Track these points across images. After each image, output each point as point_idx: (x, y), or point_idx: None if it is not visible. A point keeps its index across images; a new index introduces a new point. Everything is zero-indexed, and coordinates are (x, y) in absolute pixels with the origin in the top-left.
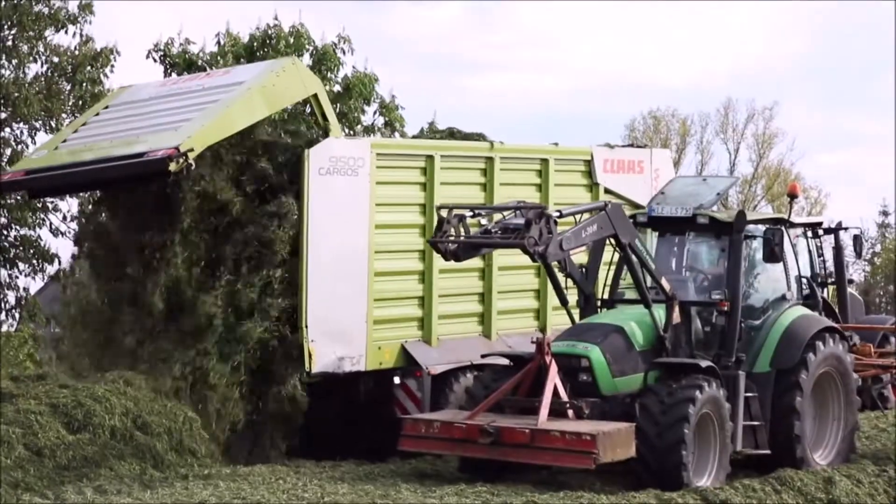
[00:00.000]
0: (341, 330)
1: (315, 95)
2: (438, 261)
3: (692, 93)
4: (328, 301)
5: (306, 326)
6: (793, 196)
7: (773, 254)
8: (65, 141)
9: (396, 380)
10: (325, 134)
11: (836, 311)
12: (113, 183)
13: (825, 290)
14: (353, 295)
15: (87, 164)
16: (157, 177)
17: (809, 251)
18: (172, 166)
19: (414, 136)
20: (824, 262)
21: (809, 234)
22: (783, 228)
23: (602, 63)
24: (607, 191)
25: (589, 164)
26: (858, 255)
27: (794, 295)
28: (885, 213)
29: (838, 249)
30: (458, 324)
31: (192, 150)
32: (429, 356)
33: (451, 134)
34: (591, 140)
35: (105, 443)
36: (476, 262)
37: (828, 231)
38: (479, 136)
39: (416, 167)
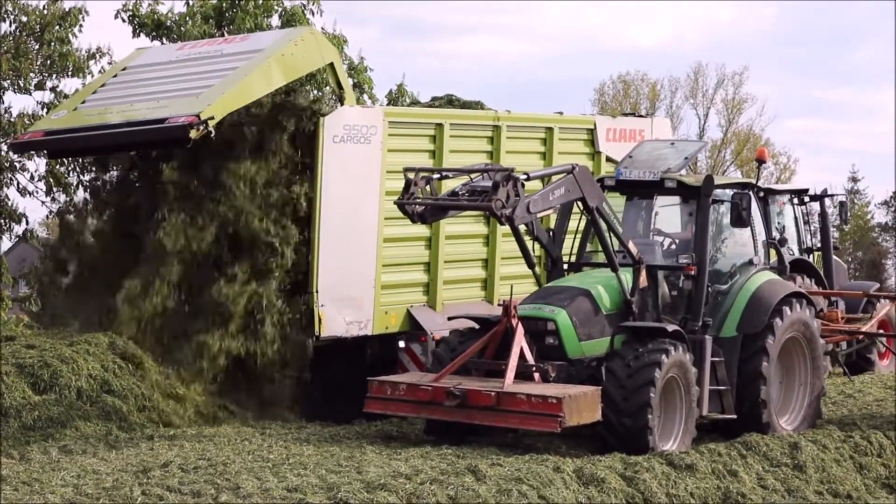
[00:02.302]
0: (351, 295)
1: (331, 64)
2: (445, 227)
3: (663, 56)
4: (339, 267)
5: (317, 291)
6: (761, 161)
7: (741, 218)
8: (84, 102)
9: (401, 343)
10: (341, 102)
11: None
12: (132, 147)
13: (811, 256)
14: (363, 261)
15: (108, 128)
16: (177, 143)
17: (795, 217)
18: (193, 133)
19: (415, 103)
20: (810, 228)
21: (796, 200)
22: (751, 193)
23: (572, 26)
24: (609, 159)
25: (592, 132)
26: (844, 221)
27: (762, 260)
28: (855, 180)
29: (824, 216)
30: (462, 289)
31: (212, 118)
32: (433, 321)
33: (450, 101)
34: (557, 105)
35: (71, 403)
36: (481, 228)
37: (813, 198)
38: (478, 104)
39: (425, 135)
